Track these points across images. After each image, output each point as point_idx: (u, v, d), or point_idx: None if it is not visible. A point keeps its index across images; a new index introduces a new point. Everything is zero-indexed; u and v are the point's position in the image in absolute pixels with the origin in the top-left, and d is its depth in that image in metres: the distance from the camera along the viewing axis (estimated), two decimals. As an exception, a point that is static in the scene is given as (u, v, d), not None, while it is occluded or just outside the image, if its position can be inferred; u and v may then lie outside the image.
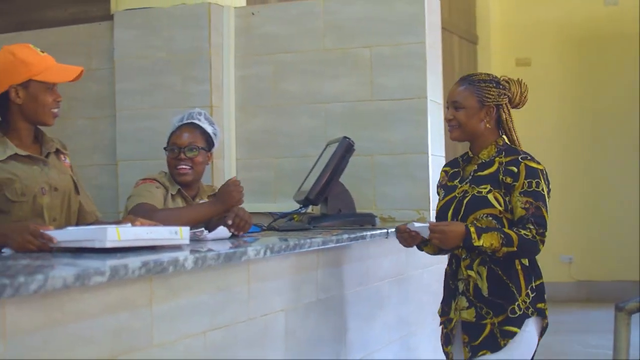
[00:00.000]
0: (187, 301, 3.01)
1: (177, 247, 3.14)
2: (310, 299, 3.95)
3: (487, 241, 3.61)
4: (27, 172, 3.63)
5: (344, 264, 4.34)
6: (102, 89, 5.80)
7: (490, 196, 3.71)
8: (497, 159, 3.79)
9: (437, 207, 3.95)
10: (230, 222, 3.99)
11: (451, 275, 3.89)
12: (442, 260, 5.69)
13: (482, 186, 3.75)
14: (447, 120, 3.90)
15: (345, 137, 4.80)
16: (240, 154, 5.60)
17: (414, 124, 5.23)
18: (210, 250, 3.13)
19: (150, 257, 2.76)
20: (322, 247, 3.95)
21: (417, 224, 3.74)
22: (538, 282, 3.80)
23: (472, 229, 3.62)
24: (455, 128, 3.86)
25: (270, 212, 5.16)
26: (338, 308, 4.26)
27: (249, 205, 4.61)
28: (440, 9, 5.74)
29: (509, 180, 3.70)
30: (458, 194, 3.82)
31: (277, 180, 5.54)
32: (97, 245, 2.92)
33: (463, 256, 3.79)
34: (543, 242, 3.68)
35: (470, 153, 3.90)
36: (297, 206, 4.87)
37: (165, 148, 4.58)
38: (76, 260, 2.81)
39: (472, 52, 10.21)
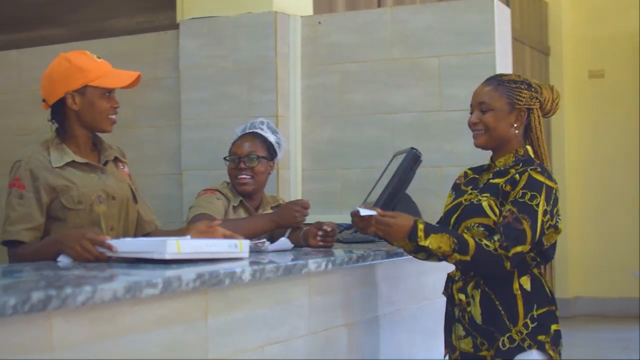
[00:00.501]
0: (245, 314, 2.92)
1: (237, 261, 3.06)
2: (374, 313, 3.84)
3: (434, 243, 3.25)
4: (84, 179, 3.58)
5: (410, 277, 4.23)
6: (167, 98, 5.76)
7: (485, 204, 3.35)
8: (512, 169, 3.40)
9: (443, 209, 3.60)
10: (321, 232, 3.92)
11: (448, 300, 3.54)
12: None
13: (485, 194, 3.39)
14: (472, 125, 3.49)
15: (412, 148, 4.67)
16: (306, 164, 5.51)
17: (483, 135, 5.09)
18: (270, 262, 3.04)
19: (206, 269, 2.68)
20: (387, 259, 3.84)
21: (365, 210, 3.36)
22: (542, 310, 3.32)
23: (421, 226, 3.27)
24: (481, 133, 3.46)
25: (339, 224, 5.07)
26: (403, 323, 4.15)
27: (315, 217, 4.52)
28: (512, 20, 5.62)
29: (507, 188, 3.32)
30: (465, 200, 3.47)
31: (343, 191, 5.43)
32: (156, 257, 2.86)
33: (456, 278, 3.46)
34: (510, 259, 3.21)
35: (490, 161, 3.56)
36: (362, 219, 4.76)
37: (225, 158, 4.52)
38: (132, 270, 2.75)
39: (544, 64, 10.02)
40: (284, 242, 3.71)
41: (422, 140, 5.12)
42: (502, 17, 5.31)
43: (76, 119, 3.64)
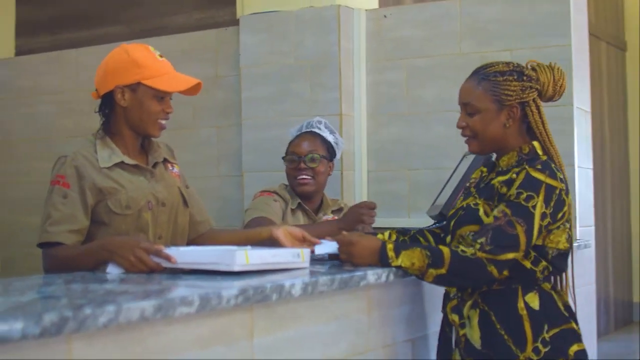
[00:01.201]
0: (295, 332, 2.65)
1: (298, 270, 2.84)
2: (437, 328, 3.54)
3: (407, 260, 2.88)
4: (133, 183, 3.33)
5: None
6: (228, 97, 5.57)
7: (481, 210, 2.96)
8: (515, 169, 2.97)
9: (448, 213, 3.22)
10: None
11: (443, 321, 3.16)
12: (591, 282, 5.24)
13: (481, 198, 3.00)
14: (460, 128, 3.08)
15: (483, 147, 4.41)
16: (372, 165, 5.25)
17: (559, 133, 4.76)
18: (323, 274, 2.78)
19: (250, 283, 2.42)
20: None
21: (322, 247, 3.14)
22: (556, 330, 2.90)
23: (390, 246, 2.91)
24: (470, 139, 3.07)
25: (402, 228, 4.80)
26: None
27: (381, 220, 4.30)
28: (588, 14, 5.29)
29: (504, 189, 2.93)
30: (465, 204, 3.08)
31: (411, 193, 5.16)
32: (224, 269, 2.63)
33: (451, 295, 3.08)
34: (495, 263, 2.81)
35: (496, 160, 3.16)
36: (431, 222, 4.50)
37: (283, 158, 4.30)
38: (183, 283, 2.52)
39: (621, 60, 9.63)
40: (329, 244, 3.41)
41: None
42: (578, 7, 4.99)
43: (123, 116, 3.37)
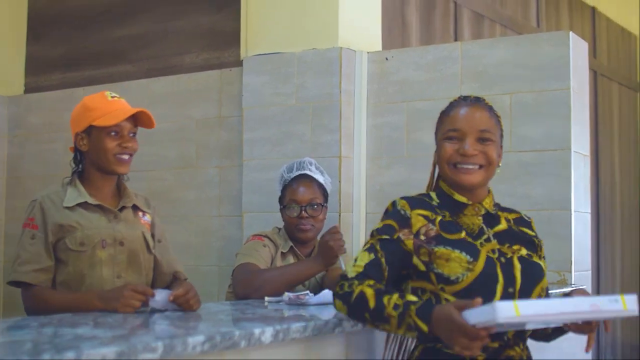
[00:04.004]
0: (268, 379, 2.68)
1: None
2: None
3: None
4: (91, 221, 3.47)
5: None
6: (231, 137, 5.59)
7: (543, 265, 2.90)
8: (513, 214, 3.02)
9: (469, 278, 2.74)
10: None
11: None
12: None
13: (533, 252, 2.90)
14: (468, 157, 2.83)
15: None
16: (371, 207, 5.26)
17: (556, 177, 4.79)
18: (298, 320, 2.80)
19: (218, 330, 2.44)
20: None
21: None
22: None
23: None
24: (476, 169, 2.85)
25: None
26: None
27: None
28: (599, 55, 5.30)
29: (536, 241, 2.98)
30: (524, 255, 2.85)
31: (408, 236, 5.15)
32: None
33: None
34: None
35: (457, 196, 2.90)
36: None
37: (281, 204, 4.33)
38: (169, 328, 2.53)
39: (633, 100, 9.63)
40: (326, 294, 3.47)
41: (493, 183, 4.80)
42: (579, 51, 5.00)
43: (89, 160, 3.57)
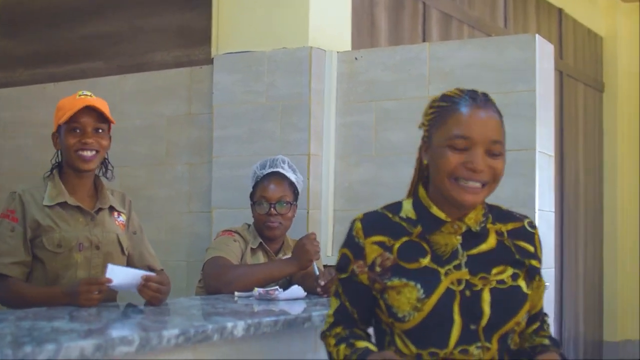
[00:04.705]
0: (239, 372, 2.75)
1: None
2: None
3: None
4: (69, 223, 3.51)
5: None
6: (201, 135, 5.64)
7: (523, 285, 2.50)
8: (490, 224, 2.53)
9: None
10: (322, 283, 3.79)
11: None
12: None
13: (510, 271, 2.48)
14: (477, 172, 2.39)
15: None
16: (339, 205, 5.34)
17: (520, 177, 4.89)
18: (268, 314, 2.87)
19: (191, 324, 2.51)
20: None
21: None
22: None
23: None
24: (481, 187, 2.43)
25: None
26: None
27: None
28: (565, 56, 5.39)
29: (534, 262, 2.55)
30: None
31: (375, 234, 5.22)
32: None
33: None
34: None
35: (434, 210, 2.48)
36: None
37: (252, 200, 4.38)
38: (144, 321, 2.59)
39: (598, 100, 9.77)
40: (296, 290, 3.55)
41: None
42: (545, 53, 5.09)
43: (63, 160, 3.64)
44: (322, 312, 3.02)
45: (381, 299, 2.45)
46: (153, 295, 3.13)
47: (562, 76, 8.71)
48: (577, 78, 9.19)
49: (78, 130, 3.54)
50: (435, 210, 2.48)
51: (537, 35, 4.99)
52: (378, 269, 2.45)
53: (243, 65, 5.47)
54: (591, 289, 9.37)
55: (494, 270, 2.44)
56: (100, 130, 3.58)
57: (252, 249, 4.25)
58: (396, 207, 2.58)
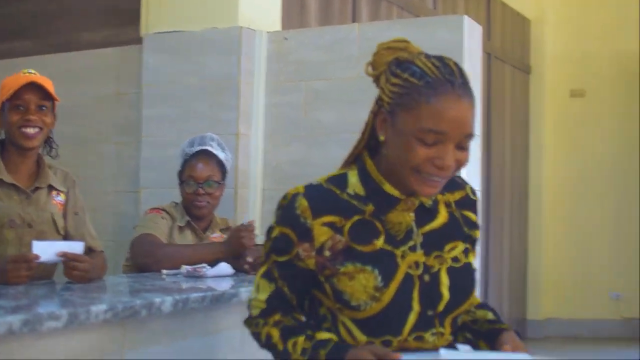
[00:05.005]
0: (167, 348, 2.77)
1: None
2: None
3: None
4: (3, 200, 3.49)
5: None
6: (129, 115, 5.63)
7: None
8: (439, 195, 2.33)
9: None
10: (249, 259, 3.80)
11: None
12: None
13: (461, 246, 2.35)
14: (445, 169, 2.13)
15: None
16: (267, 184, 5.37)
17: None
18: (196, 290, 2.89)
19: (122, 299, 2.53)
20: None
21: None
22: None
23: None
24: (441, 182, 2.19)
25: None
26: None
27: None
28: (493, 37, 5.45)
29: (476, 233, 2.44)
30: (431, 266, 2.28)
31: (304, 212, 5.25)
32: None
33: None
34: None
35: (388, 187, 2.25)
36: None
37: (180, 179, 4.38)
38: (72, 297, 2.59)
39: (525, 82, 9.91)
40: (224, 267, 3.57)
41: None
42: (473, 35, 5.16)
43: (6, 138, 3.59)
44: (249, 287, 3.04)
45: (327, 283, 2.23)
46: (71, 272, 3.12)
47: (489, 58, 8.81)
48: (505, 60, 9.30)
49: (21, 108, 3.52)
50: (388, 188, 2.25)
51: (465, 17, 5.06)
52: (327, 253, 2.21)
53: (172, 44, 5.46)
54: (516, 268, 9.53)
55: (447, 247, 2.29)
56: (43, 108, 3.57)
57: (179, 227, 4.25)
58: (341, 180, 2.30)
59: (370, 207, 2.24)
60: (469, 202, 2.41)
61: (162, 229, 4.13)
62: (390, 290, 2.18)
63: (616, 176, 9.93)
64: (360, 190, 2.26)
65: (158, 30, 5.52)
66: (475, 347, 2.39)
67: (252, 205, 5.27)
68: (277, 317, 2.28)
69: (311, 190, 2.27)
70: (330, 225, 2.21)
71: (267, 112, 5.39)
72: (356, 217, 2.23)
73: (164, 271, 3.76)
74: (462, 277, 2.29)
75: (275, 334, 2.26)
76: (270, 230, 2.32)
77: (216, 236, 4.31)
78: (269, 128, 5.39)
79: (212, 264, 3.69)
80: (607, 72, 10.00)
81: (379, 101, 2.28)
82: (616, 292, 9.93)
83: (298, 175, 5.28)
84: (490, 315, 2.46)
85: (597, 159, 9.96)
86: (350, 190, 2.26)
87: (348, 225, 2.22)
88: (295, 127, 5.35)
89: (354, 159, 2.37)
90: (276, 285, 2.29)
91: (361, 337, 2.21)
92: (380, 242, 2.22)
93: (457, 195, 2.39)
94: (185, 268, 3.64)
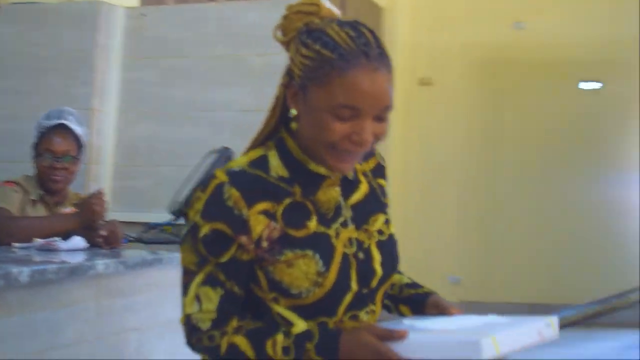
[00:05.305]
0: (23, 319, 2.76)
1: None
2: (167, 317, 3.63)
3: None
4: None
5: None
6: (-20, 86, 5.53)
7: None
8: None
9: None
10: (103, 232, 3.80)
11: None
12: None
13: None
14: (365, 143, 1.98)
15: (225, 147, 4.57)
16: (119, 160, 5.35)
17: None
18: (52, 263, 2.89)
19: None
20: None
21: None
22: None
23: None
24: (357, 156, 2.05)
25: (147, 223, 4.91)
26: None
27: (124, 214, 4.40)
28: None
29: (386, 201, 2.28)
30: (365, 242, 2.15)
31: (155, 189, 5.28)
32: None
33: None
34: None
35: (313, 166, 2.07)
36: (170, 217, 4.63)
37: (36, 151, 4.31)
38: None
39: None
40: (77, 240, 3.56)
41: (242, 140, 4.94)
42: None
43: None
44: (105, 260, 3.07)
45: (261, 273, 2.04)
46: None
47: (343, 43, 8.90)
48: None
49: None
50: (313, 167, 2.08)
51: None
52: (265, 243, 2.00)
53: (28, 16, 5.40)
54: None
55: (371, 219, 2.16)
56: None
57: (32, 200, 4.20)
58: (262, 163, 2.08)
59: (297, 189, 2.06)
60: (380, 170, 2.28)
61: (13, 202, 4.07)
62: (331, 273, 2.03)
63: (461, 162, 10.22)
64: (284, 173, 2.07)
65: (15, 1, 5.44)
66: (395, 312, 2.33)
67: (103, 181, 5.26)
68: (234, 323, 2.00)
69: (237, 177, 2.01)
70: (265, 213, 2.00)
71: (122, 88, 5.39)
72: (287, 200, 2.04)
73: (16, 244, 3.71)
74: (389, 250, 2.19)
75: (241, 341, 1.98)
76: (193, 229, 2.02)
77: (69, 210, 4.27)
78: (123, 104, 5.38)
79: (65, 237, 3.67)
80: (456, 62, 10.26)
81: (289, 72, 2.08)
82: (456, 276, 10.22)
83: (150, 152, 5.31)
84: (406, 279, 2.38)
85: (443, 147, 10.21)
86: (273, 173, 2.06)
87: (280, 209, 2.03)
88: (149, 104, 5.35)
89: (267, 138, 2.15)
90: (224, 288, 2.01)
91: (297, 321, 2.04)
92: (313, 224, 2.05)
93: (371, 163, 2.26)
94: (37, 241, 3.61)
